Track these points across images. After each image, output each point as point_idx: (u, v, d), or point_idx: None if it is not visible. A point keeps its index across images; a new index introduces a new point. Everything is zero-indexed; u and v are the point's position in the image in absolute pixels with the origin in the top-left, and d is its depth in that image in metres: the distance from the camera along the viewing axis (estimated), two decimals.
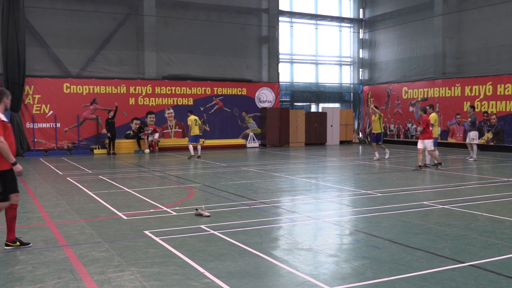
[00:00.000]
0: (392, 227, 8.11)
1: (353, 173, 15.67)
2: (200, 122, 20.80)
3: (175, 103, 25.42)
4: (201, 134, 20.91)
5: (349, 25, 32.13)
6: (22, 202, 10.60)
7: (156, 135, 23.96)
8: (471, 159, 18.87)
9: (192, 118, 20.42)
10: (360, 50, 32.04)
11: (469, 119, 19.27)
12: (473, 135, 18.90)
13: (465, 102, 24.36)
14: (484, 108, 23.50)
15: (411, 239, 7.28)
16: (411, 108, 27.77)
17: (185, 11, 26.03)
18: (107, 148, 23.01)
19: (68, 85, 23.28)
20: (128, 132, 24.14)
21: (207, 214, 8.87)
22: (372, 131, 19.52)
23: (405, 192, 11.56)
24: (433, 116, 16.92)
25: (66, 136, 23.23)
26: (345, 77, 32.52)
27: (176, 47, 25.87)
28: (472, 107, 19.83)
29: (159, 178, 14.52)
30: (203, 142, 22.16)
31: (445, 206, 9.73)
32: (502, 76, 22.75)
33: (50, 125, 22.92)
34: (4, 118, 6.70)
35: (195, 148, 20.64)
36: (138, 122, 24.14)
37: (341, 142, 29.43)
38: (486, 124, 23.41)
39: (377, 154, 19.14)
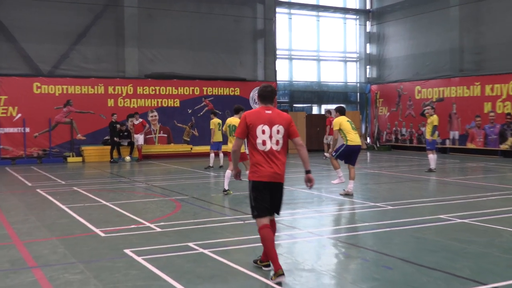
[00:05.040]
0: (405, 244, 8.09)
1: (361, 183, 15.65)
2: (221, 126, 20.11)
3: (159, 104, 25.39)
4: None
5: (354, 17, 32.27)
6: None
7: (141, 139, 23.72)
8: None
9: (215, 121, 19.68)
10: (367, 45, 32.16)
11: None
12: None
13: (485, 103, 24.45)
14: (507, 109, 23.58)
15: (427, 257, 7.26)
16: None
17: (171, 2, 26.03)
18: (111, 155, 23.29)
19: (39, 84, 23.22)
20: (106, 137, 23.99)
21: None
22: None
23: (419, 205, 11.56)
24: (434, 118, 17.82)
25: (36, 142, 23.16)
26: (351, 75, 32.64)
27: (161, 42, 25.87)
28: None
29: (142, 190, 14.46)
30: (191, 148, 22.07)
31: (465, 220, 9.72)
32: None
33: (18, 129, 22.84)
34: None
35: (216, 155, 20.08)
36: (118, 126, 24.06)
37: None
38: (509, 128, 23.48)
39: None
